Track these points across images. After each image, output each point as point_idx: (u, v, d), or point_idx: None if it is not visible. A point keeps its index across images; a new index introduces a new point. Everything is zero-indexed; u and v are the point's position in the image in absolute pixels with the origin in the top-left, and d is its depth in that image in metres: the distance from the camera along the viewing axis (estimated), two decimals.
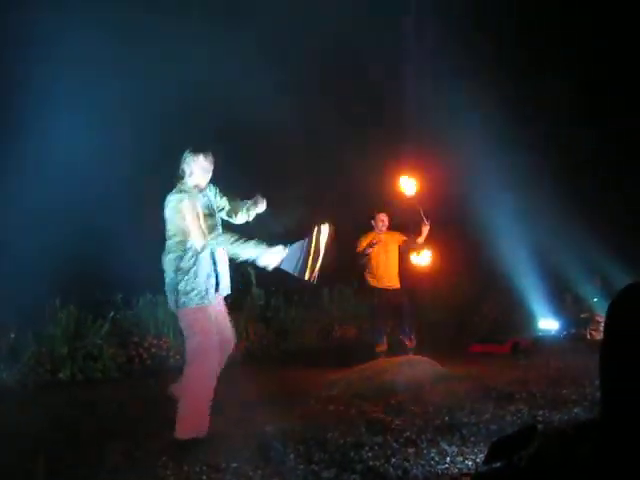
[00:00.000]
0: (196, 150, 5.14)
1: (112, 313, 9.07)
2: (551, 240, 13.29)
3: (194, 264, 4.99)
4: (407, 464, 4.41)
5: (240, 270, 10.68)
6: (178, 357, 9.32)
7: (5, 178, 8.79)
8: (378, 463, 4.45)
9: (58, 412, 6.45)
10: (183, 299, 4.99)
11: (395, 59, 13.35)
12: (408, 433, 5.17)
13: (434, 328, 11.87)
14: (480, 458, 4.42)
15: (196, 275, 4.98)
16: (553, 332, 12.02)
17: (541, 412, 5.71)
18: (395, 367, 7.22)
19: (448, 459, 4.49)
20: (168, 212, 5.05)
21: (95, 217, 8.27)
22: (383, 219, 9.00)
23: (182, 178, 5.15)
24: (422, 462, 4.45)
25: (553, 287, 12.82)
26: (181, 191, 5.06)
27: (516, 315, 12.88)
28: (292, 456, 4.68)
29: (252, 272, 10.84)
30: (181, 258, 5.00)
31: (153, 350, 9.26)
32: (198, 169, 5.15)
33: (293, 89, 12.49)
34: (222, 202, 5.40)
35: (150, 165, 8.74)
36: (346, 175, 12.87)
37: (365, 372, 7.18)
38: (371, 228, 9.07)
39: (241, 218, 5.47)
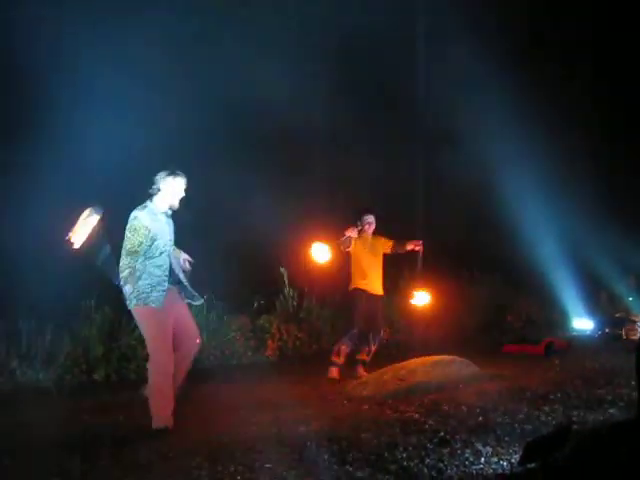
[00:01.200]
0: (169, 173, 5.63)
1: None
2: (586, 238, 13.18)
3: (140, 275, 5.50)
4: (441, 464, 4.41)
5: (273, 272, 10.76)
6: (212, 357, 9.40)
7: (45, 178, 8.94)
8: (412, 463, 4.45)
9: (93, 412, 6.51)
10: (134, 301, 5.52)
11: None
12: (442, 433, 5.16)
13: (467, 328, 11.83)
14: (515, 458, 4.41)
15: (140, 284, 5.49)
16: (588, 332, 11.90)
17: (576, 412, 5.67)
18: (428, 367, 7.19)
19: (482, 459, 4.48)
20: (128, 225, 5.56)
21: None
22: (370, 221, 8.21)
23: (151, 196, 5.66)
24: (456, 462, 4.44)
25: (588, 286, 12.71)
26: (144, 208, 5.60)
27: (550, 315, 12.78)
28: (326, 456, 4.69)
29: (285, 273, 10.87)
30: (130, 268, 5.50)
31: None
32: (168, 190, 5.64)
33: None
34: None
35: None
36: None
37: (398, 372, 7.15)
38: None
39: None
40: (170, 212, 5.78)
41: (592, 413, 5.61)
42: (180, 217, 5.94)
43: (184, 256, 5.93)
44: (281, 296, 11.07)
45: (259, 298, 10.70)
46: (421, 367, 7.17)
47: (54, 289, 7.83)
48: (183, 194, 5.72)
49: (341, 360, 7.96)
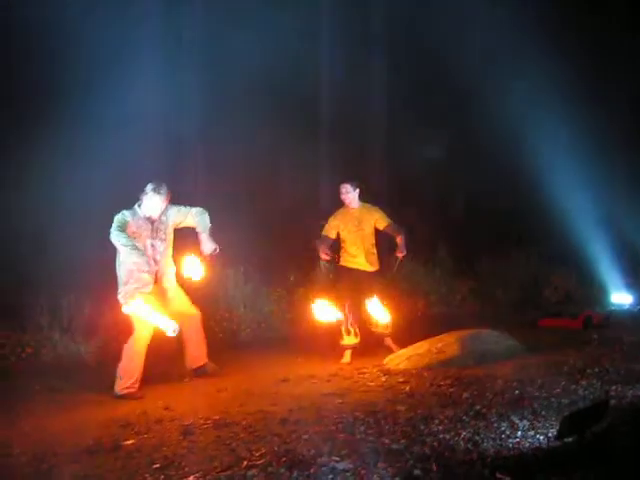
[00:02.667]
0: (151, 188, 6.34)
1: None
2: (625, 210, 12.98)
3: (124, 270, 6.31)
4: (477, 437, 4.42)
5: (308, 246, 10.78)
6: (249, 330, 9.48)
7: (86, 156, 9.06)
8: (448, 436, 4.47)
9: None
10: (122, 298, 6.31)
11: None
12: (478, 406, 5.17)
13: (503, 303, 11.77)
14: (551, 432, 4.40)
15: (124, 280, 6.31)
16: (627, 306, 11.73)
17: (614, 387, 5.63)
18: (465, 340, 7.17)
19: (519, 433, 4.48)
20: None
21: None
22: (343, 192, 7.77)
23: (137, 202, 6.43)
24: (492, 436, 4.45)
25: (627, 259, 12.54)
26: (129, 209, 6.39)
27: (588, 289, 12.65)
28: (362, 428, 4.73)
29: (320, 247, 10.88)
30: (118, 264, 6.35)
31: (224, 324, 9.41)
32: (148, 202, 6.38)
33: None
34: (178, 213, 6.59)
35: None
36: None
37: (434, 345, 7.15)
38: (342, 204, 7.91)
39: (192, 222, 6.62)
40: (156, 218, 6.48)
41: (630, 388, 5.56)
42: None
43: (209, 246, 6.51)
44: (317, 269, 11.11)
45: (295, 271, 10.75)
46: (458, 340, 7.15)
47: (94, 265, 7.95)
48: (160, 210, 6.44)
49: (354, 340, 7.60)
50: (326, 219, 7.93)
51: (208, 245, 6.49)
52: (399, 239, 7.60)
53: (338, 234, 7.83)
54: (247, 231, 9.56)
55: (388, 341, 7.82)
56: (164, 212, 6.48)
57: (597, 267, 12.33)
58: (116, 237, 6.15)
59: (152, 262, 6.37)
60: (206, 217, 6.60)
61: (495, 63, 12.91)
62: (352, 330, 7.58)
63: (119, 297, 6.32)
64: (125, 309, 6.29)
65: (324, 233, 7.82)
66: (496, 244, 12.69)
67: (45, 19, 9.14)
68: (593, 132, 13.16)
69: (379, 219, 7.78)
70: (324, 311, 7.42)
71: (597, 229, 12.48)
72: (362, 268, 7.77)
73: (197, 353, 6.81)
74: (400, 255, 7.62)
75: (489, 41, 13.03)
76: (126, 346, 6.30)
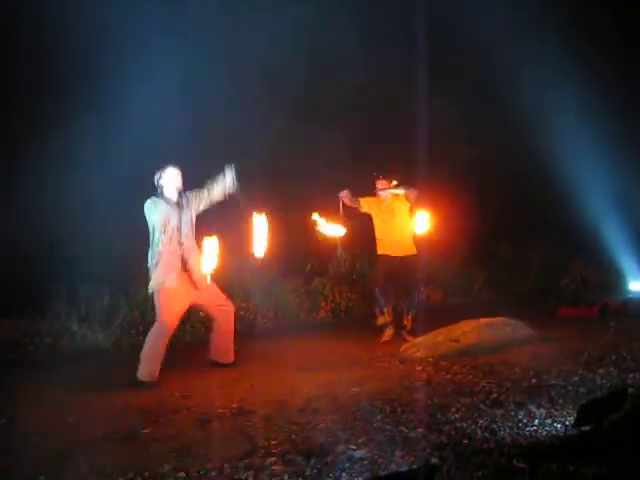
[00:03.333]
0: (164, 165, 6.44)
1: None
2: None
3: (159, 259, 6.29)
4: (494, 425, 4.43)
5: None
6: (265, 320, 9.52)
7: (106, 146, 9.13)
8: (465, 424, 4.48)
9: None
10: (152, 285, 6.32)
11: None
12: (495, 395, 5.18)
13: (520, 292, 11.75)
14: (569, 421, 4.40)
15: (159, 267, 6.28)
16: None
17: (631, 375, 5.62)
18: (482, 329, 7.17)
19: (536, 421, 4.49)
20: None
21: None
22: (379, 188, 8.14)
23: (155, 190, 6.43)
24: (509, 424, 4.46)
25: None
26: (153, 195, 6.37)
27: (605, 277, 12.60)
28: (379, 417, 4.75)
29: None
30: (152, 252, 6.34)
31: (241, 313, 9.45)
32: (167, 182, 6.43)
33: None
34: (196, 198, 6.59)
35: None
36: None
37: (452, 333, 7.15)
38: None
39: (214, 197, 6.67)
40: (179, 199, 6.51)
41: None
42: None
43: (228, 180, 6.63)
44: (334, 259, 11.14)
45: (312, 260, 10.78)
46: (474, 329, 7.15)
47: (111, 255, 8.01)
48: (180, 184, 6.48)
49: (387, 319, 8.04)
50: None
51: (228, 179, 6.60)
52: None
53: (371, 220, 8.20)
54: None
55: (405, 334, 8.01)
56: (184, 195, 6.51)
57: (614, 255, 12.27)
58: (151, 212, 6.27)
59: (178, 245, 6.37)
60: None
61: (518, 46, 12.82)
62: (385, 311, 7.99)
63: (150, 285, 6.34)
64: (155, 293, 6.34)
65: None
66: (513, 232, 12.66)
67: (68, 18, 9.22)
68: (613, 118, 13.05)
69: (410, 195, 8.08)
70: (326, 226, 8.01)
71: (614, 216, 12.41)
72: (396, 254, 8.07)
73: (224, 349, 6.77)
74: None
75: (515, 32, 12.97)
76: (150, 332, 6.34)
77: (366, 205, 8.16)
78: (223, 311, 6.71)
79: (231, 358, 6.78)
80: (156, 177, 6.44)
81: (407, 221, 8.16)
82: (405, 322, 8.11)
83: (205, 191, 6.63)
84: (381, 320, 8.07)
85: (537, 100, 12.90)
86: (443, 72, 12.50)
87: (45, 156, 8.99)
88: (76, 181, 9.13)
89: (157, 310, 6.37)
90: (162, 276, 6.25)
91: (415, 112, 12.07)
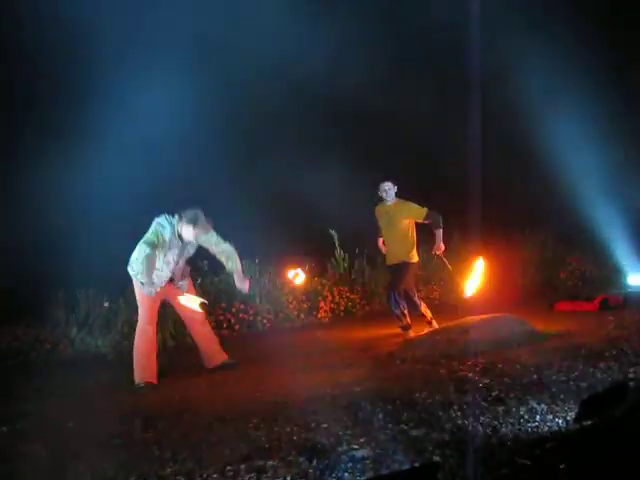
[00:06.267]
0: (188, 219, 6.55)
1: (199, 280, 9.27)
2: None
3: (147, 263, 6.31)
4: (496, 422, 4.42)
5: (325, 233, 10.84)
6: (265, 322, 9.52)
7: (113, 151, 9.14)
8: (467, 422, 4.47)
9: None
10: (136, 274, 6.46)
11: None
12: (496, 392, 5.16)
13: (519, 287, 11.75)
14: (570, 416, 4.39)
15: (146, 276, 6.32)
16: None
17: (632, 369, 5.60)
18: (481, 326, 7.16)
19: (537, 417, 4.48)
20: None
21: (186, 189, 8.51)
22: (381, 190, 8.26)
23: (174, 217, 6.59)
24: (511, 420, 4.45)
25: None
26: (167, 219, 6.54)
27: (604, 271, 12.60)
28: (381, 416, 4.74)
29: (335, 235, 10.92)
30: (144, 255, 6.34)
31: (240, 315, 9.47)
32: (184, 231, 6.56)
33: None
34: (206, 243, 6.76)
35: None
36: None
37: (451, 331, 7.15)
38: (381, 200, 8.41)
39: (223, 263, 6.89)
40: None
41: None
42: None
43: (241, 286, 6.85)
44: (332, 259, 11.14)
45: (311, 261, 10.79)
46: (474, 326, 7.15)
47: (110, 260, 8.01)
48: (192, 239, 6.64)
49: (407, 320, 8.16)
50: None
51: (240, 285, 6.81)
52: (435, 234, 8.19)
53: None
54: (263, 224, 9.61)
55: (427, 323, 8.33)
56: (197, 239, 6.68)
57: (613, 249, 12.28)
58: (157, 231, 6.43)
59: (168, 270, 6.59)
60: (235, 258, 6.79)
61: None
62: (404, 313, 8.15)
63: (137, 277, 6.47)
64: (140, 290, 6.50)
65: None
66: (512, 228, 12.67)
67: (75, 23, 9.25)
68: (611, 112, 13.06)
69: (416, 209, 8.17)
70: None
71: (613, 211, 12.41)
72: (391, 262, 8.37)
73: (211, 351, 6.88)
74: (437, 253, 8.27)
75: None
76: (135, 337, 6.48)
77: (376, 217, 8.50)
78: (193, 319, 6.85)
79: (220, 359, 6.86)
80: (183, 217, 6.55)
81: (401, 228, 8.26)
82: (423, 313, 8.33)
83: (216, 250, 6.78)
84: (404, 322, 8.16)
85: (537, 100, 12.91)
86: None
87: (45, 163, 9.03)
88: (75, 187, 9.13)
89: (138, 304, 6.60)
90: (146, 285, 6.32)
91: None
